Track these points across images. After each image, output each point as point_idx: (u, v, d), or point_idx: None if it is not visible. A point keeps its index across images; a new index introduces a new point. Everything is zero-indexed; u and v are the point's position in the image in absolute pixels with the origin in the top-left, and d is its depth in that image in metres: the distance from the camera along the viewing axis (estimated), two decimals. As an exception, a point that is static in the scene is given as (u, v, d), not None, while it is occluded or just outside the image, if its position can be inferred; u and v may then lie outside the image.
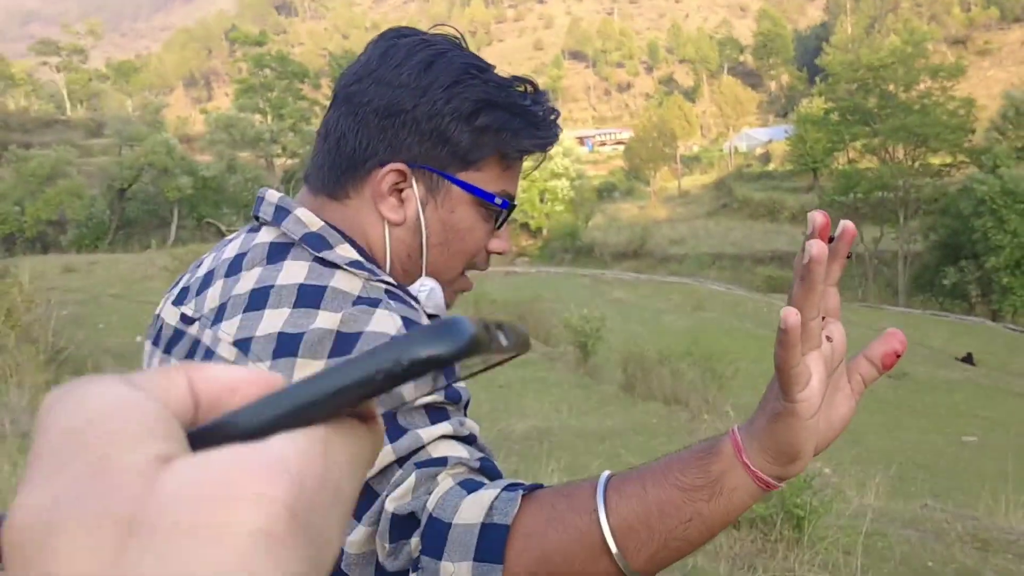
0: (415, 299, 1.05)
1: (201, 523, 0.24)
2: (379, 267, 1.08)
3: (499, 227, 1.16)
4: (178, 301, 1.13)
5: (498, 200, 1.12)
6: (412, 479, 0.88)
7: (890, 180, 39.69)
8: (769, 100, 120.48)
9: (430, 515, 0.86)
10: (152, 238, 41.14)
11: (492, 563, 0.83)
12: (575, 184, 59.92)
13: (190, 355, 1.05)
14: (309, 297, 0.98)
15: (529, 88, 1.13)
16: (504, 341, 0.33)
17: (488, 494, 0.86)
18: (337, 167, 1.10)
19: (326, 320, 0.95)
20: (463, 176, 1.10)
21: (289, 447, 0.27)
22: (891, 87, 41.21)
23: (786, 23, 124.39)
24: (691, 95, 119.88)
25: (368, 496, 0.90)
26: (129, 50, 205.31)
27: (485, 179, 1.11)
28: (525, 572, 0.84)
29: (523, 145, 1.11)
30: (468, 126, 1.07)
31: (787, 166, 62.16)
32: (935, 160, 40.93)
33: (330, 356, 0.94)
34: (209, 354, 1.01)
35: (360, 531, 0.90)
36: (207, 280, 1.09)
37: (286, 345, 0.95)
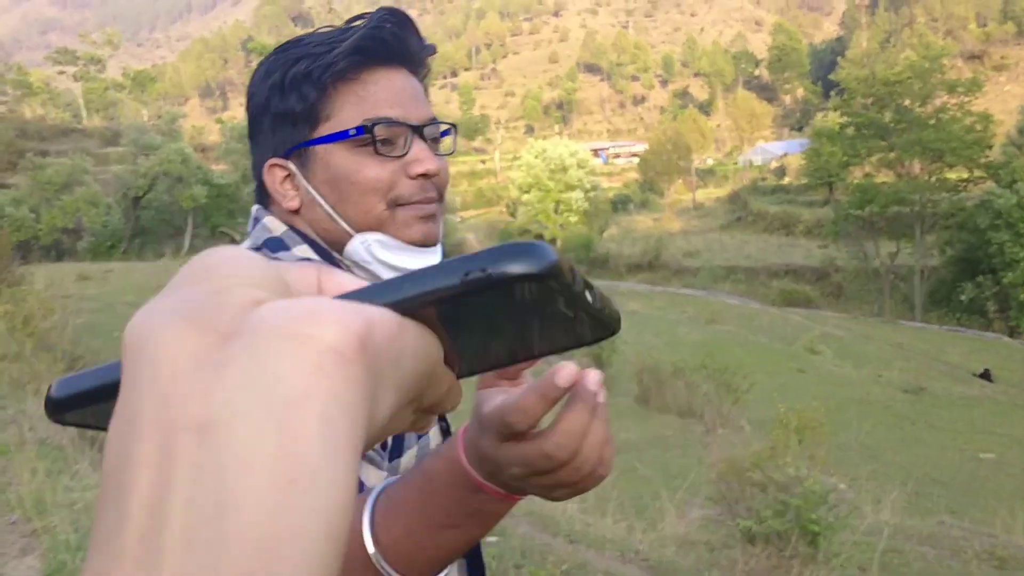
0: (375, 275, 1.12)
1: (289, 332, 0.28)
2: (334, 257, 1.15)
3: (402, 153, 1.14)
4: None
5: (352, 131, 1.11)
6: None
7: (906, 195, 39.46)
8: (784, 114, 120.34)
9: None
10: (166, 247, 41.39)
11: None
12: (589, 196, 59.92)
13: None
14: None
15: (360, 22, 1.16)
16: (590, 299, 0.34)
17: None
18: (256, 190, 1.21)
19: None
20: (317, 133, 1.13)
21: (370, 307, 0.31)
22: (907, 102, 40.99)
23: (801, 37, 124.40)
24: (706, 108, 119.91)
25: None
26: (146, 60, 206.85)
27: (339, 121, 1.12)
28: None
29: (333, 71, 1.11)
30: (288, 91, 1.12)
31: (802, 180, 61.83)
32: (952, 175, 40.69)
33: None
34: None
35: None
36: None
37: None
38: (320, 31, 1.18)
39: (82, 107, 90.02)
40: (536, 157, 61.10)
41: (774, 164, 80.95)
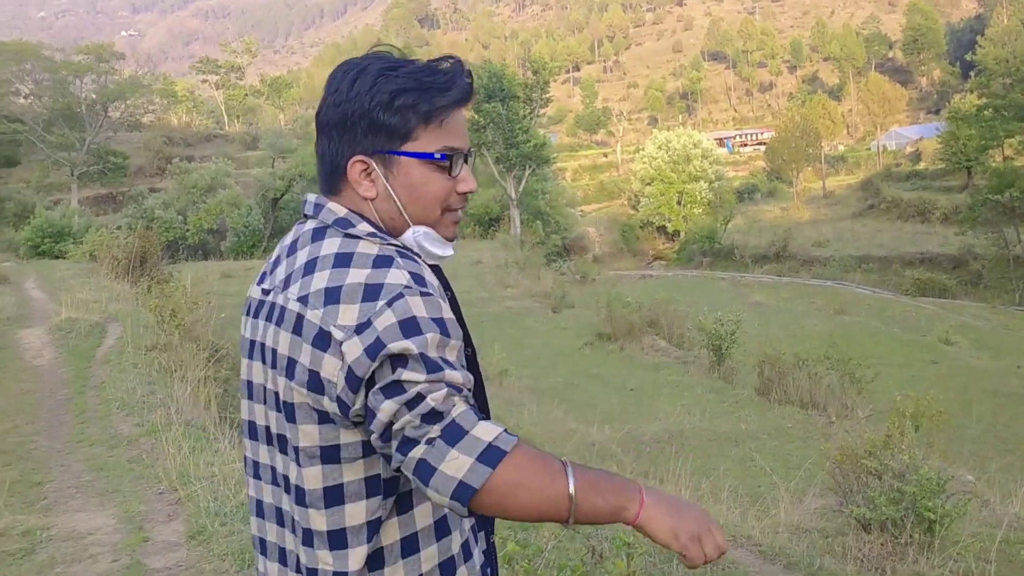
0: (417, 255, 1.47)
1: None
2: (388, 233, 1.48)
3: (457, 173, 1.51)
4: (259, 282, 1.55)
5: (436, 155, 1.48)
6: (444, 391, 1.29)
7: (1048, 177, 37.63)
8: (920, 97, 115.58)
9: (453, 420, 1.28)
10: (302, 244, 42.72)
11: (487, 466, 1.26)
12: (714, 186, 59.11)
13: (269, 316, 1.45)
14: (342, 260, 1.39)
15: (450, 64, 1.51)
16: None
17: (495, 428, 1.30)
18: (326, 174, 1.52)
19: (356, 275, 1.36)
20: (405, 148, 1.47)
21: None
22: (1049, 80, 39.05)
23: (938, 16, 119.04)
24: (836, 94, 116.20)
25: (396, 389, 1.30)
26: (282, 66, 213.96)
27: (423, 143, 1.47)
28: (503, 483, 1.27)
29: (438, 105, 1.47)
30: (391, 111, 1.45)
31: (938, 165, 59.58)
32: (1096, 155, 38.56)
33: (362, 301, 1.32)
34: (282, 311, 1.41)
35: (388, 406, 1.29)
36: (276, 263, 1.52)
37: (331, 295, 1.35)
38: (416, 66, 1.49)
39: (223, 113, 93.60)
40: (659, 148, 60.66)
41: (909, 149, 78.04)
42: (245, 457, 1.60)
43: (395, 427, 1.29)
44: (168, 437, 5.93)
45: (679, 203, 58.42)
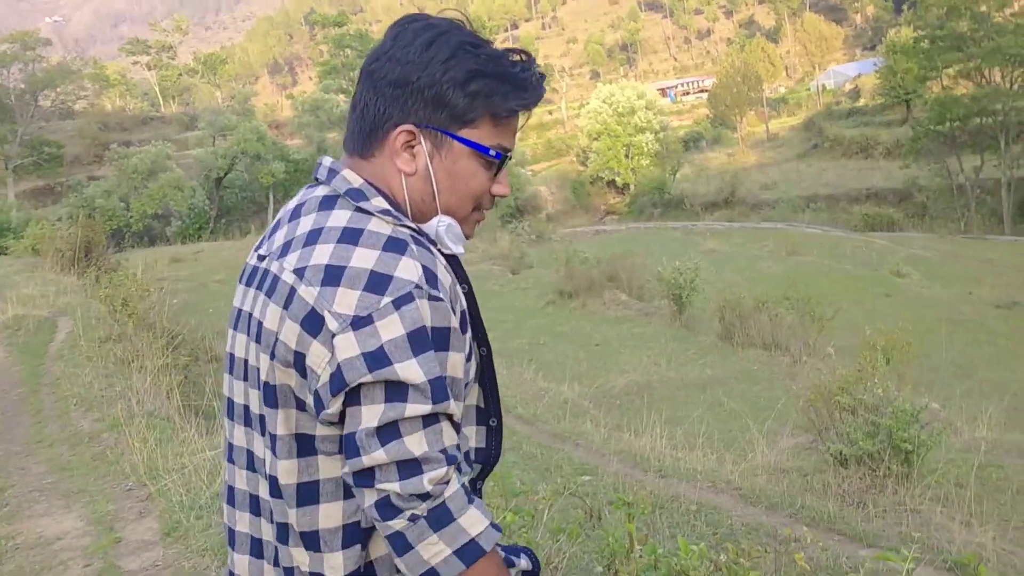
0: (432, 242, 1.33)
1: None
2: (404, 215, 1.33)
3: (498, 174, 1.41)
4: (257, 247, 1.42)
5: (492, 152, 1.36)
6: (443, 470, 1.20)
7: (988, 104, 38.06)
8: (855, 34, 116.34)
9: (443, 502, 1.21)
10: (251, 223, 42.27)
11: (462, 562, 1.21)
12: (660, 137, 59.10)
13: (260, 284, 1.32)
14: (350, 236, 1.25)
15: (521, 57, 1.37)
16: None
17: (482, 520, 1.24)
18: (363, 132, 1.36)
19: (363, 257, 1.22)
20: (462, 133, 1.34)
21: None
22: (983, 8, 39.34)
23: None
24: (773, 36, 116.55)
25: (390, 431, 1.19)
26: (214, 43, 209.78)
27: (481, 135, 1.35)
28: None
29: (509, 106, 1.35)
30: (462, 91, 1.31)
31: (878, 100, 60.13)
32: (1036, 80, 39.06)
33: (364, 290, 1.19)
34: (275, 280, 1.28)
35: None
36: (275, 227, 1.40)
37: (331, 275, 1.21)
38: (497, 51, 1.36)
39: (158, 95, 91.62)
40: (603, 102, 60.45)
41: (848, 87, 78.57)
42: (224, 438, 1.46)
43: (378, 484, 1.19)
44: (132, 430, 5.74)
45: (627, 156, 58.38)
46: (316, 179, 1.40)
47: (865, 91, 70.06)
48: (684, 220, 44.29)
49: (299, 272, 1.24)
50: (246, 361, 1.34)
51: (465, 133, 1.34)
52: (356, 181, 1.33)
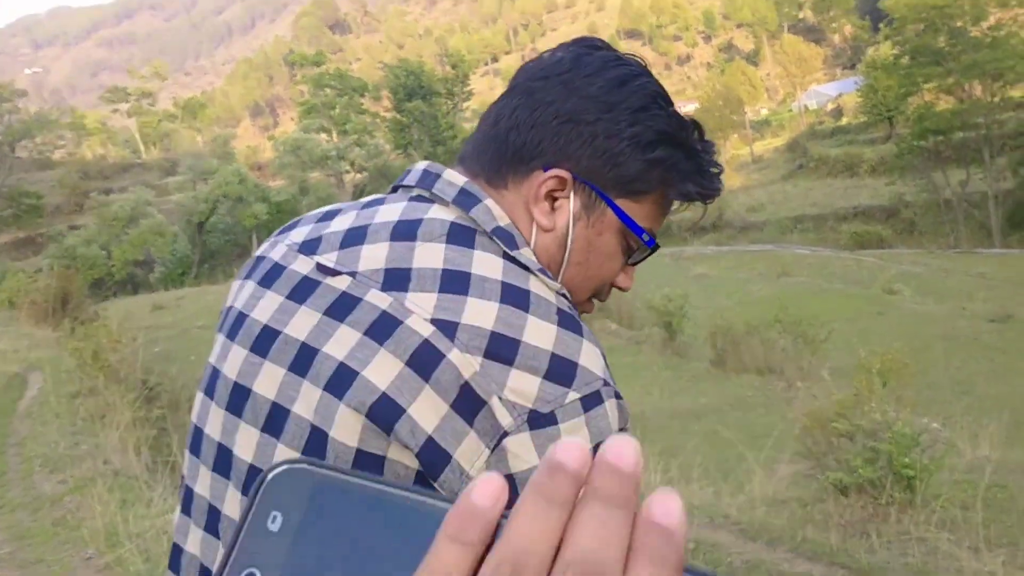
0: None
1: None
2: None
3: (633, 263, 1.15)
4: (307, 250, 1.05)
5: (646, 236, 1.10)
6: None
7: (970, 118, 38.28)
8: (834, 54, 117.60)
9: None
10: (235, 267, 42.09)
11: None
12: (645, 163, 59.43)
13: (335, 308, 0.96)
14: (515, 297, 0.95)
15: (699, 133, 1.13)
16: None
17: None
18: (501, 157, 1.07)
19: (538, 333, 0.93)
20: (621, 203, 1.07)
21: None
22: (959, 23, 39.67)
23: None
24: (753, 59, 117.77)
25: None
26: (194, 87, 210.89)
27: (640, 212, 1.09)
28: None
29: (687, 189, 1.10)
30: (642, 155, 1.05)
31: (861, 118, 60.53)
32: (1015, 92, 39.35)
33: (545, 377, 0.90)
34: (384, 318, 0.93)
35: None
36: (353, 237, 1.03)
37: (500, 347, 0.91)
38: (691, 122, 1.12)
39: (139, 142, 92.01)
40: (586, 130, 60.77)
41: (830, 106, 79.22)
42: (181, 478, 1.10)
43: None
44: (94, 493, 5.44)
45: (612, 184, 58.64)
46: (429, 195, 1.08)
47: (847, 110, 70.60)
48: (672, 246, 44.27)
49: (444, 328, 0.92)
50: (251, 391, 0.99)
51: (623, 204, 1.07)
52: (502, 219, 1.03)
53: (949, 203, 40.71)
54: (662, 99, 1.08)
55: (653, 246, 1.12)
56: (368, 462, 0.89)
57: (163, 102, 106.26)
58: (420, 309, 0.93)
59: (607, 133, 1.04)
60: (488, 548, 0.31)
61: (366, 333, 0.92)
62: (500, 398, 0.88)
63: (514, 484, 0.84)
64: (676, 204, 1.15)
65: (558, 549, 0.31)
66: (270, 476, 0.34)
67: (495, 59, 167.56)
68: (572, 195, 1.05)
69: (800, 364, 14.48)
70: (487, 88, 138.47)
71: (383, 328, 0.92)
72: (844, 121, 68.54)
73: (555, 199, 1.06)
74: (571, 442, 0.32)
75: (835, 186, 52.56)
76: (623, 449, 0.32)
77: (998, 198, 38.53)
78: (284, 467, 0.34)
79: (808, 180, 56.20)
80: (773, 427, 10.24)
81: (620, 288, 1.17)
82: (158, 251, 42.20)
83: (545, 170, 1.05)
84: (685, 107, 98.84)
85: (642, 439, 9.40)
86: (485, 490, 0.33)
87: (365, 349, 0.91)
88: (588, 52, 1.09)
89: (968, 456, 8.79)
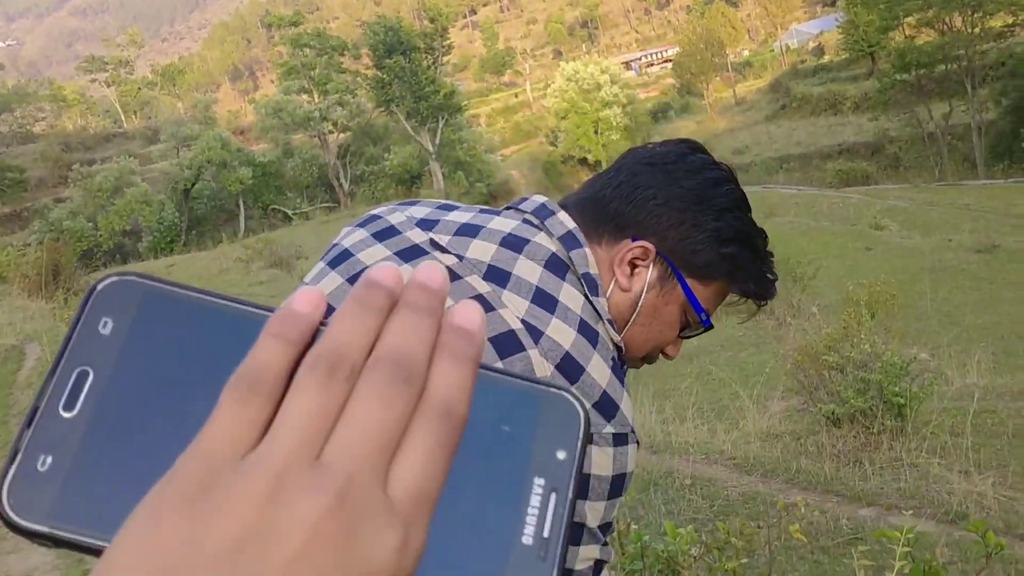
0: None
1: None
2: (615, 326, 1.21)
3: (684, 337, 1.32)
4: (424, 226, 1.22)
5: (704, 316, 1.27)
6: None
7: (951, 50, 38.10)
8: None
9: None
10: (223, 232, 41.96)
11: None
12: (628, 110, 59.04)
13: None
14: (589, 335, 1.13)
15: (764, 241, 1.30)
16: None
17: None
18: (600, 218, 1.25)
19: (599, 369, 1.11)
20: (694, 286, 1.24)
21: None
22: (938, -46, 39.32)
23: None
24: (733, 0, 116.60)
25: None
26: (172, 53, 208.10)
27: (704, 294, 1.25)
28: None
29: (746, 287, 1.29)
30: (718, 248, 1.23)
31: (842, 55, 60.09)
32: (995, 22, 39.10)
33: (594, 406, 1.09)
34: (482, 300, 1.10)
35: None
36: (468, 230, 1.20)
37: (571, 367, 1.09)
38: (762, 233, 1.29)
39: (119, 111, 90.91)
40: (568, 80, 60.26)
41: (811, 44, 78.64)
42: None
43: None
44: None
45: (596, 132, 58.24)
46: (536, 220, 1.24)
47: (828, 47, 70.10)
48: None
49: (531, 330, 1.10)
50: None
51: (692, 284, 1.24)
52: (593, 267, 1.20)
53: (933, 136, 40.67)
54: (744, 205, 1.25)
55: (708, 325, 1.28)
56: None
57: (141, 70, 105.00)
58: (513, 307, 1.10)
59: (694, 222, 1.22)
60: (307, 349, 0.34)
61: None
62: None
63: None
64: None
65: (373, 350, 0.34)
66: (100, 286, 0.35)
67: (473, 11, 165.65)
68: (652, 266, 1.23)
69: (790, 302, 14.59)
70: (466, 41, 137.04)
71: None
72: (826, 59, 68.09)
73: (636, 266, 1.23)
74: (385, 265, 0.36)
75: (819, 125, 52.41)
76: (432, 272, 0.36)
77: (981, 129, 38.50)
78: (113, 278, 0.36)
79: (792, 120, 55.99)
80: (765, 364, 10.37)
81: (667, 356, 1.33)
82: (145, 220, 41.96)
83: (634, 240, 1.22)
84: (666, 52, 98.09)
85: (635, 382, 9.53)
86: (305, 298, 0.35)
87: None
88: (691, 152, 1.27)
89: (957, 384, 8.93)
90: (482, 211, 1.27)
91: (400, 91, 46.24)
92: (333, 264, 1.21)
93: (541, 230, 1.21)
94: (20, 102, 52.26)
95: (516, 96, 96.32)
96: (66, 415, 0.32)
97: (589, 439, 0.33)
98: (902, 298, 12.70)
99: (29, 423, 0.31)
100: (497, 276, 1.13)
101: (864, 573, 1.55)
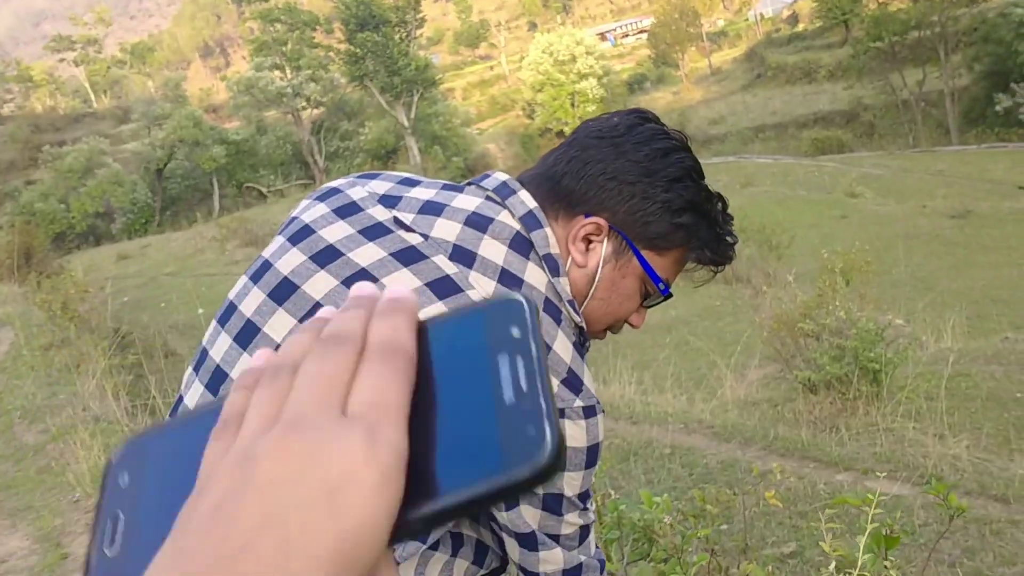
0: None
1: None
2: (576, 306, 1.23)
3: (647, 306, 1.32)
4: (387, 203, 1.21)
5: (662, 285, 1.27)
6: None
7: (924, 17, 38.18)
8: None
9: None
10: (197, 212, 41.63)
11: None
12: (604, 82, 58.81)
13: (402, 255, 1.13)
14: (553, 312, 1.17)
15: (722, 206, 1.29)
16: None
17: None
18: (553, 196, 1.24)
19: (564, 348, 1.15)
20: (646, 254, 1.24)
21: None
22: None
23: None
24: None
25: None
26: (140, 31, 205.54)
27: (661, 264, 1.25)
28: None
29: (702, 255, 1.27)
30: (671, 218, 1.22)
31: (816, 23, 60.18)
32: (968, -13, 39.24)
33: (562, 383, 1.12)
34: (450, 281, 1.12)
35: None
36: (432, 208, 1.20)
37: None
38: (717, 196, 1.28)
39: (89, 91, 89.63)
40: (543, 52, 59.96)
41: (785, 13, 78.56)
42: (180, 400, 1.25)
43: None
44: (76, 439, 5.48)
45: (572, 105, 58.01)
46: (494, 194, 1.24)
47: (803, 16, 70.08)
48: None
49: None
50: (299, 288, 1.14)
51: (648, 256, 1.24)
52: (554, 248, 1.20)
53: (907, 103, 40.84)
54: (696, 174, 1.24)
55: (667, 294, 1.29)
56: None
57: (110, 48, 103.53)
58: (480, 288, 1.12)
59: (644, 195, 1.21)
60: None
61: (427, 284, 1.10)
62: None
63: None
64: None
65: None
66: (113, 458, 0.43)
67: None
68: (606, 241, 1.22)
69: (766, 271, 14.66)
70: (440, 14, 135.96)
71: (444, 287, 1.11)
72: (800, 27, 68.09)
73: (590, 242, 1.22)
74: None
75: (794, 93, 52.49)
76: (366, 287, 0.41)
77: (954, 95, 38.68)
78: (119, 449, 0.43)
79: (767, 89, 56.05)
80: (742, 333, 10.42)
81: (632, 325, 1.34)
82: (117, 201, 41.56)
83: (586, 216, 1.22)
84: (641, 22, 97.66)
85: (615, 354, 9.56)
86: (262, 354, 0.41)
87: (423, 296, 1.09)
88: (640, 122, 1.26)
89: (931, 348, 9.02)
90: (445, 187, 1.27)
91: (373, 65, 45.92)
92: (294, 240, 1.19)
93: (504, 208, 1.22)
94: (-14, 84, 51.52)
95: (491, 69, 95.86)
96: (109, 553, 0.39)
97: (537, 314, 0.35)
98: (877, 265, 12.79)
99: (87, 569, 0.39)
100: (463, 256, 1.14)
101: (832, 536, 1.56)
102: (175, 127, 43.58)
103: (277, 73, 52.19)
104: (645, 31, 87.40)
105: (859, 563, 1.60)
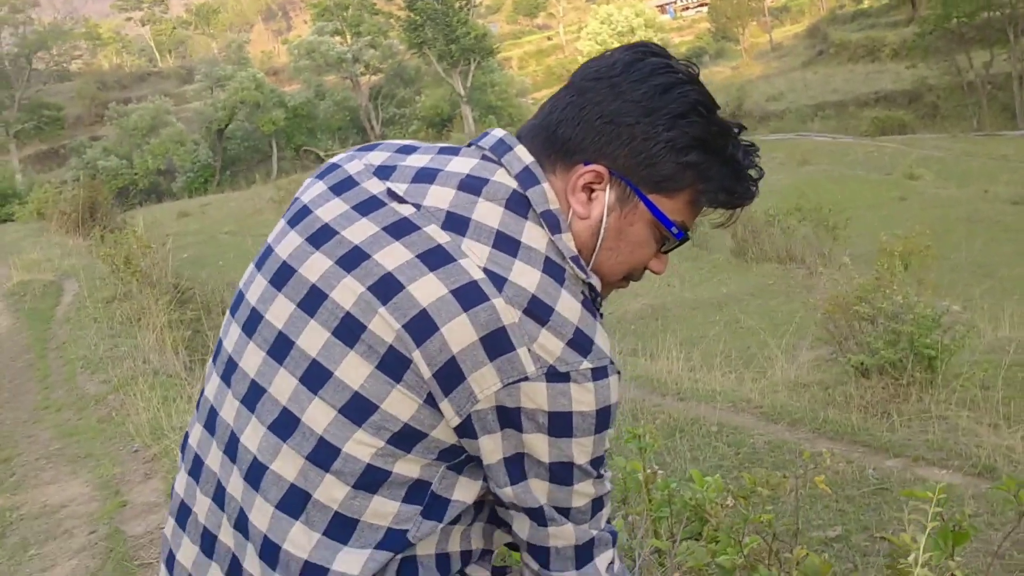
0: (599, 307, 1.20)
1: None
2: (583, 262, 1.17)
3: (665, 251, 1.24)
4: (381, 174, 1.18)
5: (675, 229, 1.19)
6: (610, 552, 1.20)
7: (995, -2, 37.18)
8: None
9: None
10: (256, 173, 42.12)
11: None
12: (662, 55, 58.28)
13: (395, 228, 1.10)
14: (555, 272, 1.10)
15: (747, 141, 1.20)
16: None
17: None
18: (551, 146, 1.17)
19: (569, 308, 1.08)
20: (653, 198, 1.16)
21: None
22: None
23: None
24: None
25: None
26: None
27: (671, 207, 1.17)
28: None
29: (715, 196, 1.18)
30: (676, 158, 1.13)
31: (882, 1, 58.86)
32: (1044, -33, 38.03)
33: (568, 344, 1.06)
34: (439, 251, 1.07)
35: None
36: (425, 175, 1.16)
37: (538, 309, 1.06)
38: (732, 129, 1.18)
39: (154, 50, 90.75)
40: (601, 23, 59.49)
41: (852, -11, 76.97)
42: (202, 392, 1.25)
43: (553, 568, 1.18)
44: (136, 391, 5.63)
45: (630, 76, 57.64)
46: (494, 156, 1.18)
47: (869, -8, 68.58)
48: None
49: (494, 280, 1.06)
50: (296, 272, 1.13)
51: (656, 199, 1.16)
52: (553, 203, 1.14)
53: (972, 85, 39.85)
54: (703, 107, 1.14)
55: (682, 237, 1.20)
56: (394, 360, 1.05)
57: (175, 8, 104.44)
58: (474, 256, 1.07)
59: (644, 136, 1.12)
60: None
61: (419, 257, 1.06)
62: (529, 349, 1.04)
63: (518, 415, 1.05)
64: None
65: None
66: None
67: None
68: (608, 189, 1.15)
69: (821, 251, 14.48)
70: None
71: (437, 258, 1.06)
72: (865, 4, 66.53)
73: (592, 191, 1.15)
74: None
75: (856, 72, 51.38)
76: None
77: (1022, 79, 37.67)
78: None
79: (828, 66, 54.95)
80: (794, 314, 10.33)
81: (653, 271, 1.26)
82: (179, 159, 42.22)
83: (585, 164, 1.14)
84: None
85: (664, 329, 9.54)
86: None
87: (414, 270, 1.06)
88: (641, 58, 1.16)
89: (989, 337, 8.86)
90: (442, 151, 1.23)
91: (432, 33, 45.91)
92: (293, 223, 1.18)
93: (500, 167, 1.16)
94: (56, 40, 52.29)
95: (549, 39, 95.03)
96: None
97: None
98: (936, 249, 12.57)
99: None
100: (456, 223, 1.10)
101: (913, 528, 1.52)
102: (237, 89, 44.04)
103: (337, 38, 52.39)
104: (706, 4, 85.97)
105: (918, 559, 1.56)
